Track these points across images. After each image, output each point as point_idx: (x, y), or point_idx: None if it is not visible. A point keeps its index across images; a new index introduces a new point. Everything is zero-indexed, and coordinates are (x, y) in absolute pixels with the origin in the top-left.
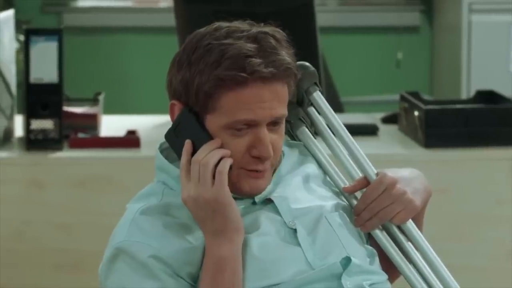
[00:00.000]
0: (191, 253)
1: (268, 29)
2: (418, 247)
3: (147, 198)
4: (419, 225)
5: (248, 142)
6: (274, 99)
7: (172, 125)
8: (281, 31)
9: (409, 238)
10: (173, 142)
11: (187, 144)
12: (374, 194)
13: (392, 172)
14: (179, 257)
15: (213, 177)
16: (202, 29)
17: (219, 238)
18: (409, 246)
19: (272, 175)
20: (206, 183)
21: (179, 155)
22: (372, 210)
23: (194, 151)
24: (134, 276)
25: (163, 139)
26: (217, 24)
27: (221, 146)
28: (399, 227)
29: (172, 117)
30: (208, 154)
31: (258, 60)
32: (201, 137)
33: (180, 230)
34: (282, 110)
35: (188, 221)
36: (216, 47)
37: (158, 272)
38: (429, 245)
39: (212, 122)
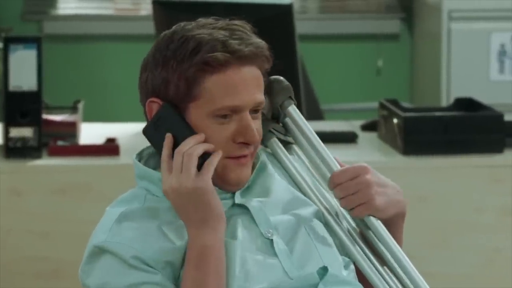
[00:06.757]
0: (173, 253)
1: (235, 21)
2: (388, 250)
3: (130, 202)
4: (397, 239)
5: (233, 129)
6: (254, 83)
7: (152, 119)
8: (247, 23)
9: (377, 237)
10: (153, 136)
11: (168, 137)
12: (342, 178)
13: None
14: (160, 258)
15: (197, 168)
16: (169, 30)
17: (203, 228)
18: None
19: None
20: (188, 172)
21: (159, 150)
22: (338, 193)
23: (175, 145)
24: (117, 271)
25: (141, 149)
26: (182, 23)
27: (206, 137)
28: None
29: (150, 115)
30: (193, 146)
31: (237, 41)
32: (183, 130)
33: (162, 233)
34: (262, 97)
35: (171, 222)
36: (191, 37)
37: (141, 267)
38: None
39: (196, 110)
